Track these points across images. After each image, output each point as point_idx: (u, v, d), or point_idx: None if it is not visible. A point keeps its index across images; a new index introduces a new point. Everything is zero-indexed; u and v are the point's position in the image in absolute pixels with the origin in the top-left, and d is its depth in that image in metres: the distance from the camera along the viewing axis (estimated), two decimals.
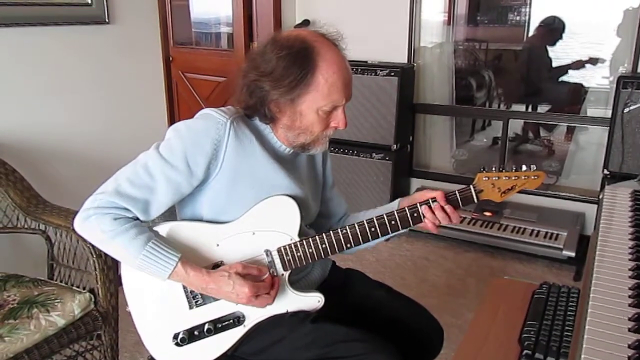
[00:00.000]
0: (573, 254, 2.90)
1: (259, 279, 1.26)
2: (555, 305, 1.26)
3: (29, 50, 2.32)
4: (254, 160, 1.29)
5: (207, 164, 1.24)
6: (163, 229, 1.30)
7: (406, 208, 1.32)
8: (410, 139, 3.69)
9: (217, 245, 1.30)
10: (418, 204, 1.31)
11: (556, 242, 2.98)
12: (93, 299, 1.83)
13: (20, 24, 2.27)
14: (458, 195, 1.31)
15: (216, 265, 1.29)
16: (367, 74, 3.35)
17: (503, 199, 1.33)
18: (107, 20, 2.56)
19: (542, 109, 4.25)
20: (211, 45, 4.57)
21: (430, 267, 3.09)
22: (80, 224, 1.23)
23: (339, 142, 3.52)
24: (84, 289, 1.87)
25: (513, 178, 1.31)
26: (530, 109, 4.36)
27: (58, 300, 1.77)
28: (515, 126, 4.22)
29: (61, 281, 1.95)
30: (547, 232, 3.06)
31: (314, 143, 1.31)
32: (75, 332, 1.76)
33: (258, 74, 1.23)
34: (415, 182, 3.77)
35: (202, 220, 1.33)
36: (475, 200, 1.32)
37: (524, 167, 1.31)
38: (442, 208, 1.29)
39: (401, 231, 1.34)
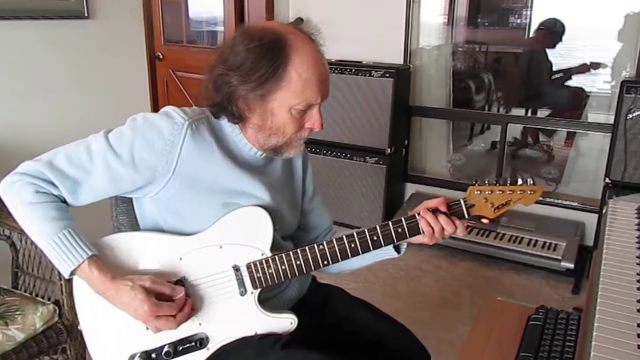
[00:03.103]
0: (572, 266, 2.78)
1: (171, 297, 1.14)
2: (552, 334, 1.14)
3: (1, 46, 2.20)
4: (214, 167, 1.17)
5: (154, 163, 1.13)
6: (121, 238, 1.18)
7: (389, 222, 1.20)
8: (406, 142, 3.57)
9: (180, 259, 1.18)
10: (403, 218, 1.19)
11: (554, 252, 2.86)
12: (58, 311, 1.71)
13: None
14: (448, 210, 1.19)
15: (179, 282, 1.17)
16: (361, 75, 3.23)
17: (496, 215, 1.21)
18: (86, 14, 2.45)
19: (542, 113, 4.15)
20: (207, 43, 4.45)
21: (424, 277, 2.97)
22: (4, 189, 1.13)
23: (330, 144, 3.40)
24: (48, 299, 1.75)
25: (508, 192, 1.19)
26: (529, 113, 4.25)
27: (19, 313, 1.65)
28: (514, 130, 4.11)
29: (25, 290, 1.83)
30: (545, 242, 2.94)
31: (287, 146, 1.20)
32: (36, 347, 1.65)
33: (225, 68, 1.11)
34: (410, 187, 3.65)
35: (163, 231, 1.21)
36: (466, 215, 1.20)
37: (519, 181, 1.19)
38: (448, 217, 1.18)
39: (386, 253, 1.23)
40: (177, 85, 4.08)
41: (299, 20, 3.56)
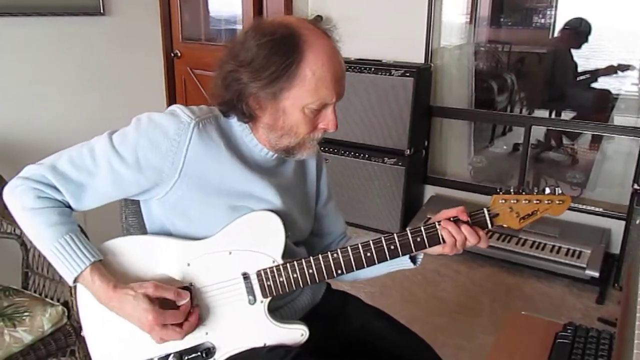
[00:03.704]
0: (597, 274, 2.68)
1: (176, 304, 1.09)
2: (582, 353, 1.05)
3: (15, 42, 2.19)
4: (222, 168, 1.12)
5: (159, 165, 1.08)
6: (126, 241, 1.14)
7: (408, 230, 1.13)
8: (426, 143, 3.50)
9: (188, 264, 1.13)
10: (422, 228, 1.13)
11: (579, 260, 2.77)
12: (67, 313, 1.67)
13: (5, 13, 2.13)
14: (469, 220, 1.12)
15: (186, 289, 1.12)
16: (381, 74, 3.17)
17: (522, 226, 1.14)
18: (102, 11, 2.42)
19: (567, 115, 4.02)
20: (226, 41, 4.41)
21: (442, 281, 2.89)
22: (7, 194, 1.09)
23: (348, 144, 3.35)
24: (58, 300, 1.72)
25: (534, 202, 1.12)
26: (553, 115, 4.13)
27: (27, 314, 1.61)
28: (538, 133, 3.99)
29: (35, 291, 1.81)
30: (569, 249, 2.85)
31: (299, 147, 1.14)
32: (44, 349, 1.61)
33: (236, 64, 1.06)
34: (430, 190, 3.57)
35: (171, 235, 1.16)
36: (489, 225, 1.13)
37: (547, 190, 1.12)
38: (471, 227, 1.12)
39: (402, 263, 1.17)
40: (195, 83, 4.05)
41: (318, 17, 3.50)
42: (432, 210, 3.31)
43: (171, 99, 3.25)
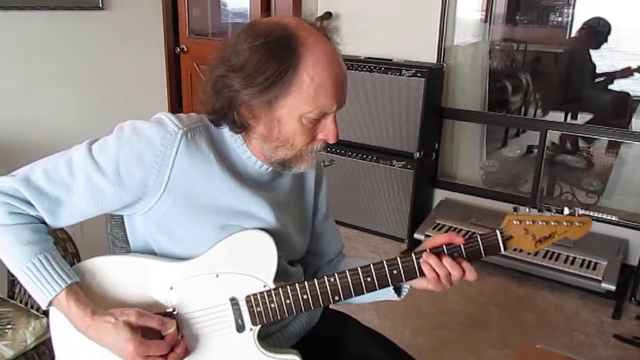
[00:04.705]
0: (613, 287, 2.56)
1: (161, 333, 0.99)
2: None
3: (8, 38, 2.10)
4: (212, 183, 1.02)
5: (143, 179, 0.98)
6: (103, 261, 1.05)
7: (412, 254, 1.03)
8: (436, 146, 3.38)
9: (171, 288, 1.04)
10: (427, 250, 1.03)
11: (594, 272, 2.65)
12: None
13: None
14: (480, 243, 1.02)
15: (168, 315, 1.03)
16: (391, 74, 3.06)
17: (538, 249, 1.05)
18: (101, 5, 2.33)
19: (583, 117, 3.88)
20: None
21: (449, 292, 2.78)
22: None
23: (356, 146, 3.24)
24: (43, 312, 1.63)
25: (552, 224, 1.02)
26: (569, 117, 4.00)
27: (9, 327, 1.53)
28: (552, 135, 3.87)
29: (20, 301, 1.72)
30: (584, 260, 2.72)
31: (296, 159, 1.03)
32: None
33: (227, 69, 0.95)
34: (439, 194, 3.46)
35: (154, 254, 1.07)
36: (502, 249, 1.03)
37: (566, 210, 1.02)
38: (454, 259, 1.01)
39: (389, 294, 1.10)
40: (201, 78, 3.96)
41: (328, 14, 3.39)
42: (441, 215, 3.20)
43: (173, 97, 3.16)
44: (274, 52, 0.93)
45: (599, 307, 2.64)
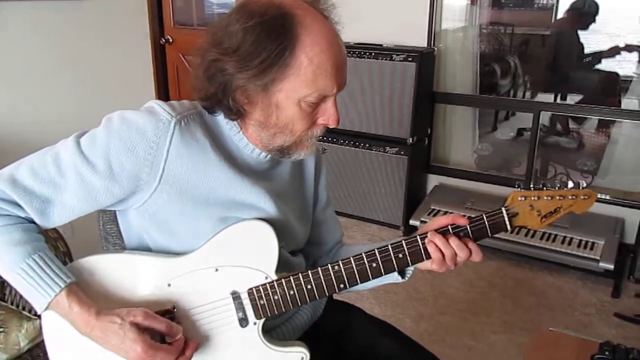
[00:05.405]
0: (611, 267, 2.55)
1: (169, 337, 0.94)
2: None
3: None
4: (208, 173, 0.97)
5: (135, 171, 0.93)
6: (98, 260, 1.00)
7: (417, 236, 1.00)
8: (429, 131, 3.35)
9: (169, 285, 0.99)
10: (432, 232, 0.99)
11: (592, 252, 2.64)
12: None
13: None
14: (486, 221, 0.99)
15: (167, 312, 0.99)
16: (382, 59, 3.01)
17: (543, 225, 1.02)
18: None
19: (572, 98, 3.87)
20: None
21: (448, 277, 2.76)
22: None
23: (348, 134, 3.20)
24: (35, 314, 1.58)
25: (557, 198, 1.00)
26: (559, 98, 3.98)
27: (1, 330, 1.48)
28: (543, 117, 3.85)
29: (12, 303, 1.67)
30: (581, 240, 2.71)
31: (295, 146, 0.99)
32: None
33: (219, 52, 0.90)
34: (433, 179, 3.43)
35: (150, 250, 1.02)
36: (509, 227, 1.00)
37: (570, 184, 0.99)
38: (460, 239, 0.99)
39: (393, 277, 1.06)
40: (187, 69, 3.89)
41: None
42: (436, 200, 3.17)
43: (161, 88, 3.10)
44: (270, 33, 0.88)
45: (598, 287, 2.64)
